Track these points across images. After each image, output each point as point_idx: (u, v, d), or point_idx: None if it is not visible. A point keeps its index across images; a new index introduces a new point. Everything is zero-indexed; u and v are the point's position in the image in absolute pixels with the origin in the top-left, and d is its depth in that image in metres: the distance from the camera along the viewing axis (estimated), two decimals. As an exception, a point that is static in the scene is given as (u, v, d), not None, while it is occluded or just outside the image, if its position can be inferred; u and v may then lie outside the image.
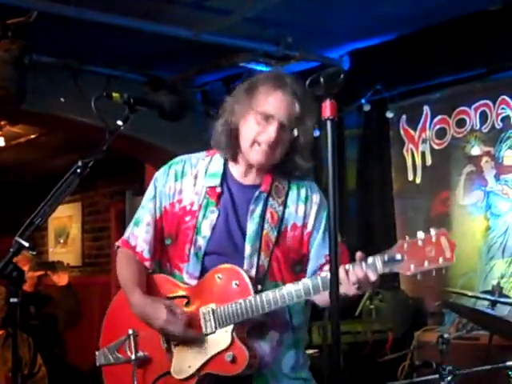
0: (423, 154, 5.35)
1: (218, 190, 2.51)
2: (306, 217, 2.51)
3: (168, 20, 4.79)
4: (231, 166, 2.55)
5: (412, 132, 5.42)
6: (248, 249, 2.45)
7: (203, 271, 2.48)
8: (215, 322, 2.40)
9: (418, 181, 5.39)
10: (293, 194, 2.53)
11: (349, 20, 4.88)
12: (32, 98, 4.93)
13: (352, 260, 2.27)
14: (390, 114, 5.41)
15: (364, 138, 5.78)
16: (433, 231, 2.16)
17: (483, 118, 4.96)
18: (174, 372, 2.44)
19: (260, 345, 2.43)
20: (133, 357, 2.48)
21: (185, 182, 2.55)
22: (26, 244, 2.02)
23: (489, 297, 3.85)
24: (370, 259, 2.21)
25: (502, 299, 3.86)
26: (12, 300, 1.99)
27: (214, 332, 2.40)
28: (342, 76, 1.85)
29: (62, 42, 5.04)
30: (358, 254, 2.24)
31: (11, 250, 2.02)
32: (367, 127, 5.72)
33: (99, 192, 8.90)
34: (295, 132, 2.44)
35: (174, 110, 2.36)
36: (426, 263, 2.16)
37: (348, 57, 5.57)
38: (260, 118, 2.42)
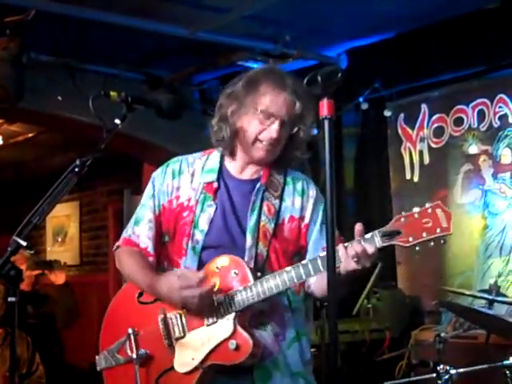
0: (421, 152, 5.35)
1: (215, 184, 2.54)
2: (303, 209, 2.55)
3: (166, 18, 4.79)
4: (228, 162, 2.59)
5: (410, 130, 5.42)
6: (249, 240, 2.47)
7: (200, 265, 2.49)
8: (217, 312, 2.40)
9: (415, 179, 5.39)
10: (289, 188, 2.57)
11: (347, 18, 4.88)
12: (30, 96, 4.93)
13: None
14: (387, 113, 5.41)
15: (362, 137, 5.78)
16: (428, 204, 2.23)
17: (481, 116, 4.96)
18: (177, 366, 2.44)
19: (261, 334, 2.43)
20: (134, 355, 2.47)
21: (182, 180, 2.58)
22: (24, 243, 2.02)
23: (486, 296, 3.86)
24: (369, 235, 2.27)
25: (499, 298, 3.86)
26: (10, 299, 1.99)
27: (216, 322, 2.40)
28: (339, 75, 1.85)
29: (59, 40, 5.04)
30: (357, 228, 2.28)
31: (9, 248, 2.02)
32: (365, 126, 5.72)
33: (97, 191, 8.89)
34: (295, 129, 2.49)
35: (171, 108, 2.36)
36: (423, 234, 2.22)
37: (346, 55, 5.57)
38: (262, 116, 2.46)
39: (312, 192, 2.58)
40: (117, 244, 2.65)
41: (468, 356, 3.82)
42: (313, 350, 4.31)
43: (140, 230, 2.59)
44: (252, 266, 2.43)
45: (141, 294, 2.56)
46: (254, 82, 2.50)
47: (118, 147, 5.82)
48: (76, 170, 2.14)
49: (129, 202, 8.00)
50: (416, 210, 2.24)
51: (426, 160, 5.32)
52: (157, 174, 2.63)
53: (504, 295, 4.31)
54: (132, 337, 2.49)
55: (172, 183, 2.58)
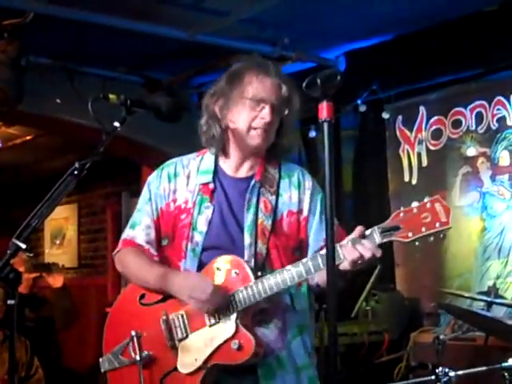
0: (419, 154, 5.35)
1: (211, 185, 2.54)
2: (300, 202, 2.55)
3: (165, 21, 4.79)
4: (222, 161, 2.59)
5: (408, 133, 5.43)
6: (247, 238, 2.47)
7: (200, 267, 2.49)
8: (218, 312, 2.40)
9: (413, 181, 5.39)
10: (284, 182, 2.57)
11: (345, 21, 4.88)
12: (29, 99, 4.93)
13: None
14: (386, 115, 5.42)
15: (360, 139, 5.79)
16: (427, 199, 2.25)
17: (479, 118, 4.97)
18: (180, 367, 2.44)
19: (263, 332, 2.43)
20: (137, 357, 2.47)
21: (178, 182, 2.58)
22: (23, 246, 2.01)
23: (484, 298, 3.86)
24: (368, 231, 2.28)
25: (498, 300, 3.87)
26: (9, 302, 1.98)
27: (218, 322, 2.41)
28: (338, 77, 1.86)
29: (58, 43, 5.04)
30: (358, 229, 2.29)
31: (8, 251, 2.01)
32: (363, 128, 5.72)
33: (95, 193, 8.88)
34: (286, 111, 2.50)
35: (170, 111, 2.36)
36: (423, 229, 2.22)
37: (344, 57, 5.58)
38: (252, 103, 2.47)
39: (308, 183, 2.58)
40: (116, 250, 2.64)
41: (467, 358, 3.82)
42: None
43: (136, 233, 2.59)
44: (252, 264, 2.43)
45: (142, 297, 2.56)
46: (237, 74, 2.52)
47: (117, 150, 5.82)
48: (75, 172, 2.13)
49: (127, 204, 8.01)
50: (415, 205, 2.24)
51: (424, 162, 5.33)
52: (152, 178, 2.63)
53: (502, 297, 4.32)
54: (135, 339, 2.49)
55: (168, 186, 2.58)
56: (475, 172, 4.98)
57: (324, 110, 1.85)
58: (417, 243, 2.24)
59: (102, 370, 2.59)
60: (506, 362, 3.19)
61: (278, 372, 2.44)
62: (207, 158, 2.60)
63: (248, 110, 2.47)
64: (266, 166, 2.56)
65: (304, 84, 1.86)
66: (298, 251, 2.54)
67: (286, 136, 2.58)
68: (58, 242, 9.51)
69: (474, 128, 5.01)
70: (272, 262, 2.47)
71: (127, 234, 2.62)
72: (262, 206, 2.50)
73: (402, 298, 5.10)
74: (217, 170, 2.57)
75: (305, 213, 2.54)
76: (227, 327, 2.39)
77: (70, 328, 5.63)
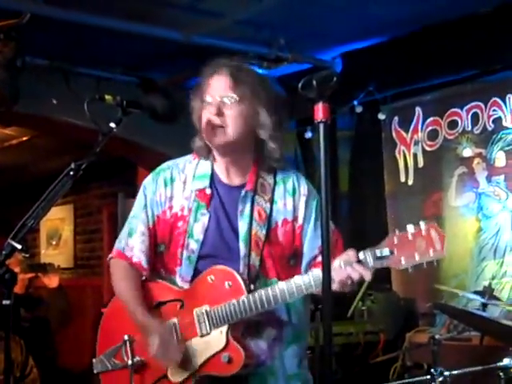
0: (415, 155, 5.36)
1: (208, 191, 2.51)
2: (295, 210, 2.51)
3: (160, 22, 4.79)
4: (216, 166, 2.56)
5: (404, 134, 5.44)
6: (243, 249, 2.45)
7: (195, 274, 2.47)
8: (209, 323, 2.40)
9: (410, 182, 5.40)
10: (279, 189, 2.53)
11: (341, 22, 4.89)
12: (25, 100, 4.92)
13: (345, 248, 2.32)
14: (382, 116, 5.43)
15: (356, 140, 5.80)
16: (422, 224, 2.20)
17: (475, 119, 4.98)
18: (170, 375, 2.44)
19: (256, 343, 2.43)
20: (129, 362, 2.47)
21: (174, 188, 2.55)
22: (19, 246, 2.01)
23: (478, 297, 3.87)
24: (361, 255, 2.24)
25: (493, 301, 3.87)
26: (4, 302, 1.98)
27: (209, 333, 2.40)
28: (334, 79, 1.86)
29: (54, 44, 5.04)
30: (350, 254, 2.26)
31: (4, 252, 2.01)
32: (359, 129, 5.73)
33: (91, 194, 8.88)
34: (246, 104, 2.44)
35: (166, 112, 2.36)
36: (416, 256, 2.19)
37: (340, 59, 5.59)
38: (204, 104, 2.46)
39: (303, 189, 2.54)
40: (110, 255, 2.62)
41: (462, 358, 3.83)
42: (307, 352, 4.34)
43: (133, 241, 2.55)
44: (246, 276, 2.42)
45: None
46: (198, 85, 2.52)
47: (113, 151, 5.81)
48: (71, 173, 2.13)
49: (123, 205, 7.99)
50: (410, 229, 2.20)
51: (421, 163, 5.34)
52: (148, 183, 2.59)
53: (498, 298, 4.32)
54: (128, 343, 2.49)
55: (165, 192, 2.55)
56: (471, 173, 4.99)
57: (320, 111, 1.85)
58: (410, 270, 2.20)
59: (95, 371, 2.59)
60: (501, 361, 3.21)
61: (269, 381, 2.44)
62: (203, 162, 2.57)
63: (204, 112, 2.47)
64: (259, 172, 2.53)
65: (300, 85, 1.86)
66: (292, 259, 2.52)
67: (269, 138, 2.49)
68: (53, 242, 9.50)
69: (469, 129, 5.02)
70: (267, 271, 2.46)
71: (124, 242, 2.58)
72: (256, 215, 2.47)
73: (398, 298, 5.11)
74: (213, 176, 2.54)
75: (300, 221, 2.51)
76: (218, 339, 2.38)
77: (65, 328, 5.63)
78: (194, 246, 2.48)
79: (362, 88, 5.39)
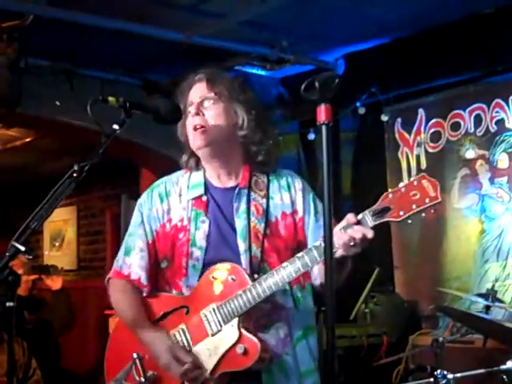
0: (418, 157, 5.36)
1: (204, 198, 2.53)
2: (293, 203, 2.54)
3: (163, 24, 4.79)
4: (207, 174, 2.58)
5: (407, 135, 5.43)
6: (241, 245, 2.45)
7: None
8: (219, 320, 2.39)
9: (412, 184, 5.39)
10: (273, 185, 2.55)
11: (344, 23, 4.89)
12: (27, 101, 4.93)
13: None
14: (385, 117, 5.43)
15: (359, 141, 5.79)
16: (413, 177, 2.26)
17: (478, 121, 4.98)
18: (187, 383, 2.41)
19: (267, 338, 2.41)
20: (142, 379, 2.45)
21: (171, 202, 2.57)
22: (23, 248, 2.01)
23: (482, 300, 3.86)
24: (360, 216, 2.27)
25: (496, 304, 3.87)
26: (8, 304, 1.98)
27: (220, 330, 2.39)
28: (337, 81, 1.85)
29: (57, 45, 5.04)
30: (348, 217, 2.27)
31: (7, 253, 2.01)
32: (362, 130, 5.73)
33: (94, 195, 8.88)
34: (226, 105, 2.49)
35: (169, 113, 2.36)
36: (413, 206, 2.23)
37: (343, 60, 5.58)
38: (188, 113, 2.51)
39: (298, 184, 2.57)
40: (108, 276, 2.62)
41: (465, 361, 3.82)
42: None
43: (131, 260, 2.55)
44: (248, 269, 2.42)
45: None
46: (180, 98, 2.57)
47: (116, 152, 5.81)
48: (74, 175, 2.13)
49: (126, 206, 8.00)
50: (402, 184, 2.25)
51: (423, 164, 5.33)
52: (143, 201, 2.60)
53: (501, 300, 4.32)
54: (138, 361, 2.47)
55: (162, 207, 2.56)
56: (474, 174, 4.99)
57: (322, 113, 1.84)
58: (409, 221, 2.25)
59: None
60: (505, 364, 3.20)
61: (280, 378, 2.42)
62: (195, 173, 2.59)
63: (187, 121, 2.52)
64: (252, 172, 2.55)
65: (302, 87, 1.86)
66: (297, 253, 2.49)
67: (253, 137, 2.52)
68: (57, 244, 9.50)
69: (472, 130, 5.01)
70: (273, 265, 2.44)
71: (122, 261, 2.58)
72: (253, 209, 2.49)
73: (401, 300, 5.11)
74: (206, 183, 2.56)
75: (300, 213, 2.53)
76: (230, 333, 2.37)
77: (68, 330, 5.63)
78: (197, 253, 2.48)
79: (364, 89, 5.39)
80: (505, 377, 3.18)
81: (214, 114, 2.49)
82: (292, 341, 2.45)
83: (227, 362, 2.37)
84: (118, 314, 2.59)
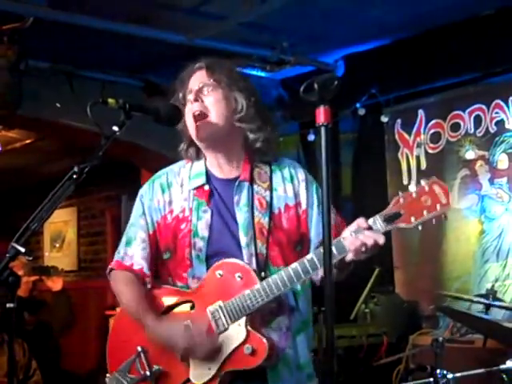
0: (418, 157, 5.37)
1: (207, 187, 2.50)
2: (296, 195, 2.51)
3: (164, 25, 4.80)
4: (208, 164, 2.56)
5: (407, 136, 5.44)
6: (243, 239, 2.42)
7: None
8: (226, 318, 2.37)
9: (412, 185, 5.40)
10: (277, 176, 2.53)
11: (344, 25, 4.90)
12: (28, 103, 4.94)
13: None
14: (384, 119, 5.44)
15: (359, 142, 5.80)
16: (423, 182, 2.24)
17: (477, 122, 4.99)
18: (193, 378, 2.38)
19: (270, 333, 2.39)
20: (148, 373, 2.42)
21: (173, 192, 2.54)
22: (23, 249, 2.02)
23: (482, 300, 3.87)
24: (371, 221, 2.26)
25: (496, 303, 3.87)
26: (8, 305, 1.99)
27: (227, 328, 2.36)
28: (336, 82, 1.86)
29: (57, 47, 5.05)
30: (359, 222, 2.27)
31: (7, 255, 2.02)
32: (362, 131, 5.74)
33: (95, 196, 8.89)
34: (226, 91, 2.47)
35: (169, 115, 2.37)
36: (424, 212, 2.22)
37: (343, 61, 5.59)
38: (187, 101, 2.49)
39: (301, 175, 2.55)
40: (110, 267, 2.59)
41: (465, 360, 3.82)
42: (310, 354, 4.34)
43: (133, 250, 2.53)
44: (254, 265, 2.39)
45: None
46: (180, 89, 2.54)
47: (116, 153, 5.82)
48: (74, 176, 2.14)
49: (126, 207, 8.01)
50: (413, 189, 2.23)
51: (423, 165, 5.34)
52: (144, 191, 2.59)
53: (501, 300, 4.32)
54: (142, 355, 2.44)
55: (163, 198, 2.54)
56: (474, 175, 5.00)
57: (321, 115, 1.85)
58: (420, 227, 2.24)
59: None
60: (504, 364, 3.21)
61: (284, 373, 2.40)
62: (197, 163, 2.57)
63: (186, 109, 2.49)
64: (253, 162, 2.53)
65: (302, 88, 1.86)
66: (299, 246, 2.50)
67: (251, 125, 2.50)
68: (57, 245, 9.51)
69: (472, 131, 5.02)
70: (275, 259, 2.43)
71: (123, 252, 2.56)
72: (256, 203, 2.47)
73: (401, 300, 5.11)
74: (208, 173, 2.54)
75: (303, 205, 2.50)
76: (237, 332, 2.35)
77: (68, 331, 5.64)
78: (200, 244, 2.45)
79: (364, 91, 5.40)
80: (504, 376, 3.18)
81: (213, 100, 2.46)
82: (292, 334, 2.44)
83: (234, 361, 2.35)
84: (122, 304, 2.56)
